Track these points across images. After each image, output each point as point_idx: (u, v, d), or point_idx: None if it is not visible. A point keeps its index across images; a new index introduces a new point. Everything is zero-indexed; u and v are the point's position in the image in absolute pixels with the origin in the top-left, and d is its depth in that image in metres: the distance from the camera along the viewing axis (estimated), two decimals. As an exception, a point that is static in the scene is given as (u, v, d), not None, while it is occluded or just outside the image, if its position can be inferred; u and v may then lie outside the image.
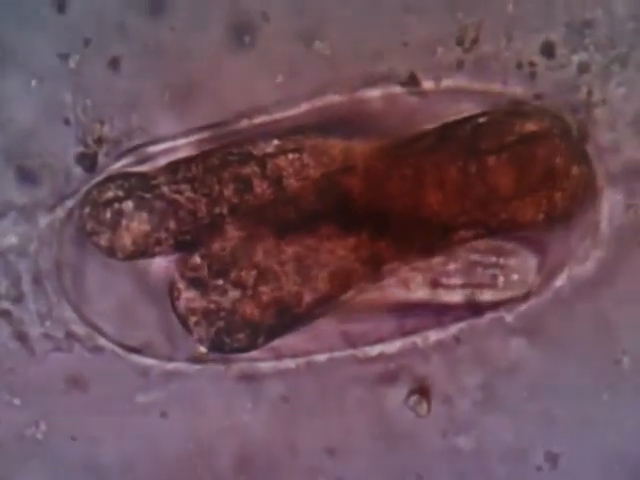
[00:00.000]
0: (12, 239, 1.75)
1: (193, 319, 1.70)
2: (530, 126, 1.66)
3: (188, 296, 1.70)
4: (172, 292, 1.70)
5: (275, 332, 1.71)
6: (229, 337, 1.70)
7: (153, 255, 1.71)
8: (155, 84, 1.73)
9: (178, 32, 1.72)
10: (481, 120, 1.67)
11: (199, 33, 1.72)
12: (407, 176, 1.66)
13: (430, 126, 1.68)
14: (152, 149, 1.73)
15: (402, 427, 1.77)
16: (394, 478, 1.79)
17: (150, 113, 1.73)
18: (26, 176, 1.74)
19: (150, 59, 1.72)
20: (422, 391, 1.75)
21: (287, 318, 1.70)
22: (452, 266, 1.72)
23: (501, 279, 1.72)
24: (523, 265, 1.71)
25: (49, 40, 1.73)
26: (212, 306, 1.69)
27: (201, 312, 1.69)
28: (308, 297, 1.69)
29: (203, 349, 1.73)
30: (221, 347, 1.71)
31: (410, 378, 1.75)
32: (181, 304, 1.70)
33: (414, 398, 1.75)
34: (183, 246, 1.70)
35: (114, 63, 1.73)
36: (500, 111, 1.67)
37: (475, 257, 1.72)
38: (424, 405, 1.75)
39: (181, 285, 1.69)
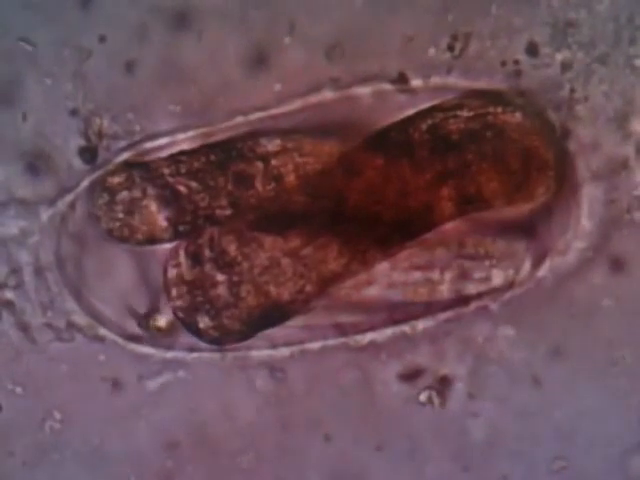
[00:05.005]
0: (14, 230, 1.77)
1: (175, 290, 1.70)
2: (497, 112, 1.67)
3: (183, 267, 1.69)
4: (171, 256, 1.70)
5: (247, 338, 1.72)
6: (199, 321, 1.70)
7: (154, 243, 1.73)
8: (164, 89, 1.75)
9: (197, 45, 1.75)
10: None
11: (218, 48, 1.75)
12: (380, 169, 1.67)
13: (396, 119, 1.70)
14: (152, 144, 1.75)
15: (413, 423, 1.80)
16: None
17: (154, 114, 1.75)
18: (29, 168, 1.77)
19: (164, 66, 1.75)
20: (438, 386, 1.78)
21: (263, 329, 1.72)
22: (440, 258, 1.74)
23: (487, 271, 1.74)
24: (508, 256, 1.74)
25: (67, 33, 1.75)
26: (198, 291, 1.69)
27: (186, 287, 1.69)
28: (294, 308, 1.70)
29: (162, 322, 1.75)
30: (189, 325, 1.71)
31: (419, 372, 1.78)
32: (173, 271, 1.70)
33: (426, 393, 1.78)
34: (183, 236, 1.71)
35: (129, 64, 1.75)
36: (459, 99, 1.69)
37: (461, 250, 1.74)
38: (436, 401, 1.78)
39: (182, 256, 1.70)
